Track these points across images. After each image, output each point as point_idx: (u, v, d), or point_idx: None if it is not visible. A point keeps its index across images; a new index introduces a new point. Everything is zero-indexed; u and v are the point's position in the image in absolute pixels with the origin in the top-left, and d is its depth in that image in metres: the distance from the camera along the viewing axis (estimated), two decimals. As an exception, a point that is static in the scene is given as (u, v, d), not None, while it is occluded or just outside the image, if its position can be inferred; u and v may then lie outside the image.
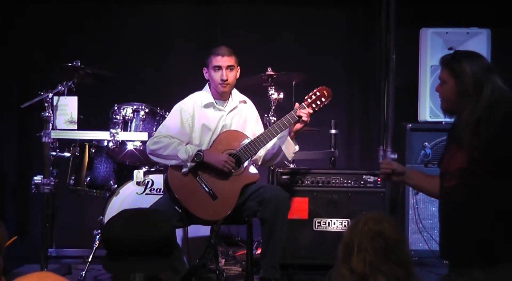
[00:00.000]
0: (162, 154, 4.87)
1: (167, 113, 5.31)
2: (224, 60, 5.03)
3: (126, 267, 3.02)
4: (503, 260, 3.52)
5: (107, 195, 5.61)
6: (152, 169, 5.57)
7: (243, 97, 5.23)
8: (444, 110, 3.84)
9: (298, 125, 4.93)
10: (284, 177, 5.61)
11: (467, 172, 3.61)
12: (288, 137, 4.98)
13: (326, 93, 4.97)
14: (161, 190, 5.42)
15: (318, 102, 4.95)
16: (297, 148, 5.04)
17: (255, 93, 5.68)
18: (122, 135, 5.56)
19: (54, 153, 5.60)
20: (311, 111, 4.92)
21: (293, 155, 5.10)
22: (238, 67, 5.11)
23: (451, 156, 3.72)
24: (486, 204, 3.56)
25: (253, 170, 5.01)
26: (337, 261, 2.70)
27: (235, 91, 5.19)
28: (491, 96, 3.59)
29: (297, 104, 4.96)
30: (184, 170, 4.84)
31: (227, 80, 5.02)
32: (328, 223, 5.55)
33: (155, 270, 3.03)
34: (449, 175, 3.71)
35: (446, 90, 3.74)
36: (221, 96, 5.11)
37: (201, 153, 4.83)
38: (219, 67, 5.02)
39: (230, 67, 5.04)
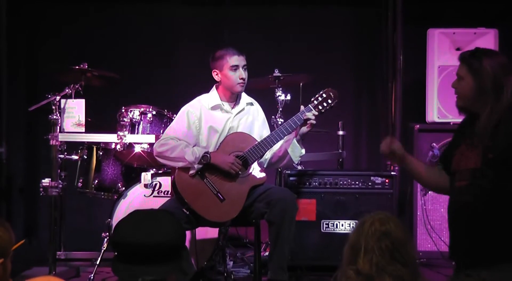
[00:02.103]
0: (169, 156, 4.86)
1: (174, 115, 5.31)
2: (240, 59, 5.03)
3: (135, 270, 3.03)
4: (510, 260, 3.50)
5: (115, 197, 5.61)
6: (160, 171, 5.57)
7: (250, 99, 5.23)
8: (459, 108, 3.78)
9: (305, 128, 4.91)
10: (291, 178, 5.61)
11: (479, 172, 3.58)
12: (295, 140, 4.96)
13: (332, 95, 4.94)
14: (169, 192, 5.41)
15: (325, 104, 4.92)
16: (303, 151, 5.02)
17: (262, 95, 5.69)
18: (129, 138, 5.56)
19: (62, 156, 5.62)
20: (317, 113, 4.90)
21: (299, 158, 5.08)
22: (245, 68, 5.13)
23: (462, 155, 3.69)
24: (496, 205, 3.54)
25: (260, 171, 5.00)
26: (343, 262, 2.70)
27: (242, 93, 5.18)
28: (511, 97, 3.57)
29: (302, 106, 4.95)
30: (191, 171, 4.84)
31: (245, 79, 5.02)
32: (336, 224, 5.55)
33: (164, 274, 3.04)
34: (459, 174, 3.69)
35: (464, 87, 3.69)
36: (230, 98, 5.10)
37: (208, 155, 4.83)
38: (237, 67, 5.02)
39: (245, 66, 5.04)
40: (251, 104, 5.21)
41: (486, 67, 3.60)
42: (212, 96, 5.10)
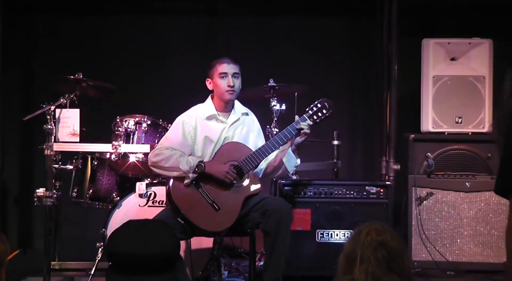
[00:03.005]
0: (164, 165, 4.86)
1: (169, 125, 5.30)
2: (230, 67, 5.04)
3: (130, 281, 3.02)
4: None
5: (110, 207, 5.60)
6: (155, 181, 5.56)
7: (245, 109, 5.23)
8: None
9: (300, 138, 4.93)
10: (286, 188, 5.60)
11: None
12: (289, 150, 4.97)
13: (327, 105, 4.95)
14: (164, 202, 5.40)
15: (319, 114, 4.93)
16: (298, 161, 5.03)
17: (257, 104, 5.68)
18: (124, 148, 5.56)
19: (56, 166, 5.60)
20: (311, 123, 4.91)
21: (295, 168, 5.09)
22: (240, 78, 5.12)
23: None
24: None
25: (255, 181, 4.99)
26: (338, 272, 2.69)
27: (237, 103, 5.19)
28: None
29: (297, 117, 4.95)
30: (186, 181, 4.83)
31: (234, 86, 5.02)
32: (331, 234, 5.55)
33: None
34: None
35: None
36: (224, 108, 5.10)
37: (203, 164, 4.82)
38: (226, 74, 5.02)
39: (235, 75, 5.04)
40: (246, 114, 5.21)
41: (506, 80, 3.59)
42: (207, 106, 5.11)
